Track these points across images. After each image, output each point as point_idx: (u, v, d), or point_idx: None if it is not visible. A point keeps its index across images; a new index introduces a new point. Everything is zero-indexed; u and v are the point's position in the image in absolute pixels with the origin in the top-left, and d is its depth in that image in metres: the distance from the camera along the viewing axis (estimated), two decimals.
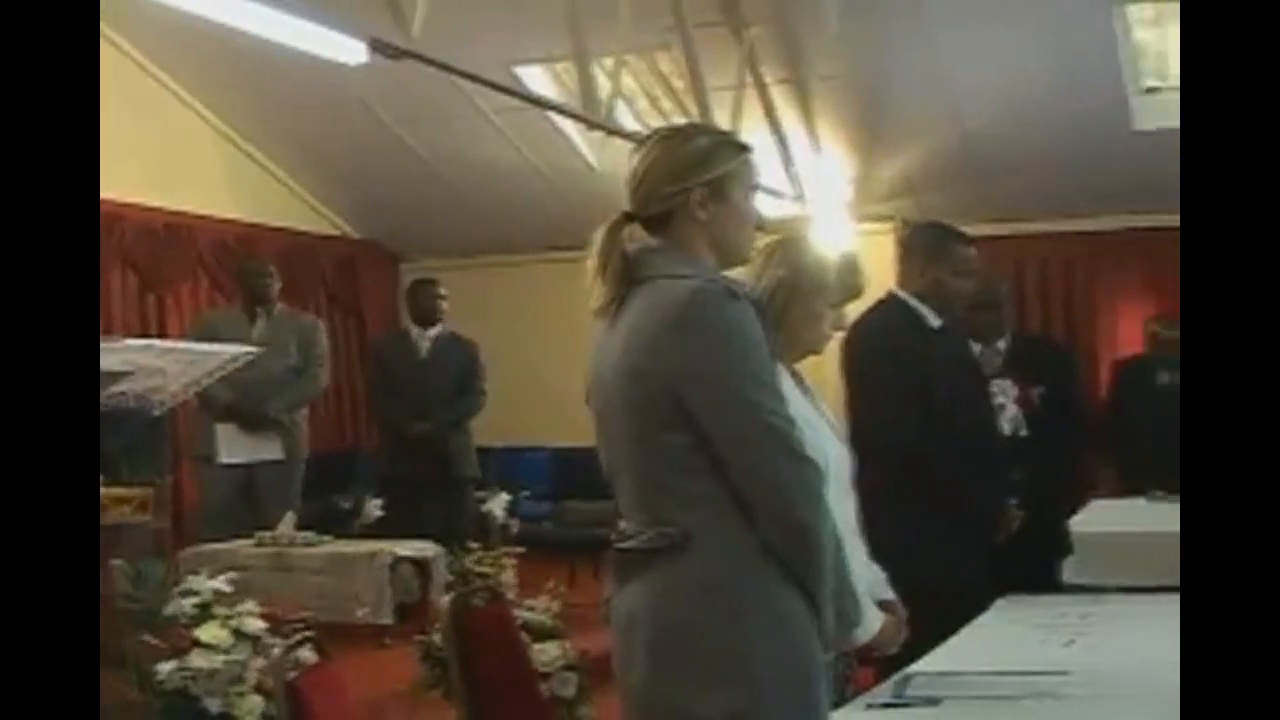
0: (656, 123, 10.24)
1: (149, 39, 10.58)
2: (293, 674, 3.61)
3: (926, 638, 4.26)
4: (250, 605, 5.38)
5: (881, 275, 5.36)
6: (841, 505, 3.76)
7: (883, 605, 4.02)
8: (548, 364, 10.69)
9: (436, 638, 5.61)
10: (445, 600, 5.53)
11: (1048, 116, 10.30)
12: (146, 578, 5.59)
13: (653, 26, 9.14)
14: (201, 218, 11.42)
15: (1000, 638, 4.58)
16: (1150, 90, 10.68)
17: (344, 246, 13.14)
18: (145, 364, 6.15)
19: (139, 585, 5.53)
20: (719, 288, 3.11)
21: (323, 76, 9.06)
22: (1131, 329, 11.32)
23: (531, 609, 6.13)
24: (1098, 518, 7.92)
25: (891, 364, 5.13)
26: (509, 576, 6.77)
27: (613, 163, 9.08)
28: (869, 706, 3.67)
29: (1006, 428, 6.20)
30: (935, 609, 4.33)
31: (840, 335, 4.39)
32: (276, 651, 4.47)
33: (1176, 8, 10.12)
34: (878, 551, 4.10)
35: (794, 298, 3.88)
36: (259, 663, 5.16)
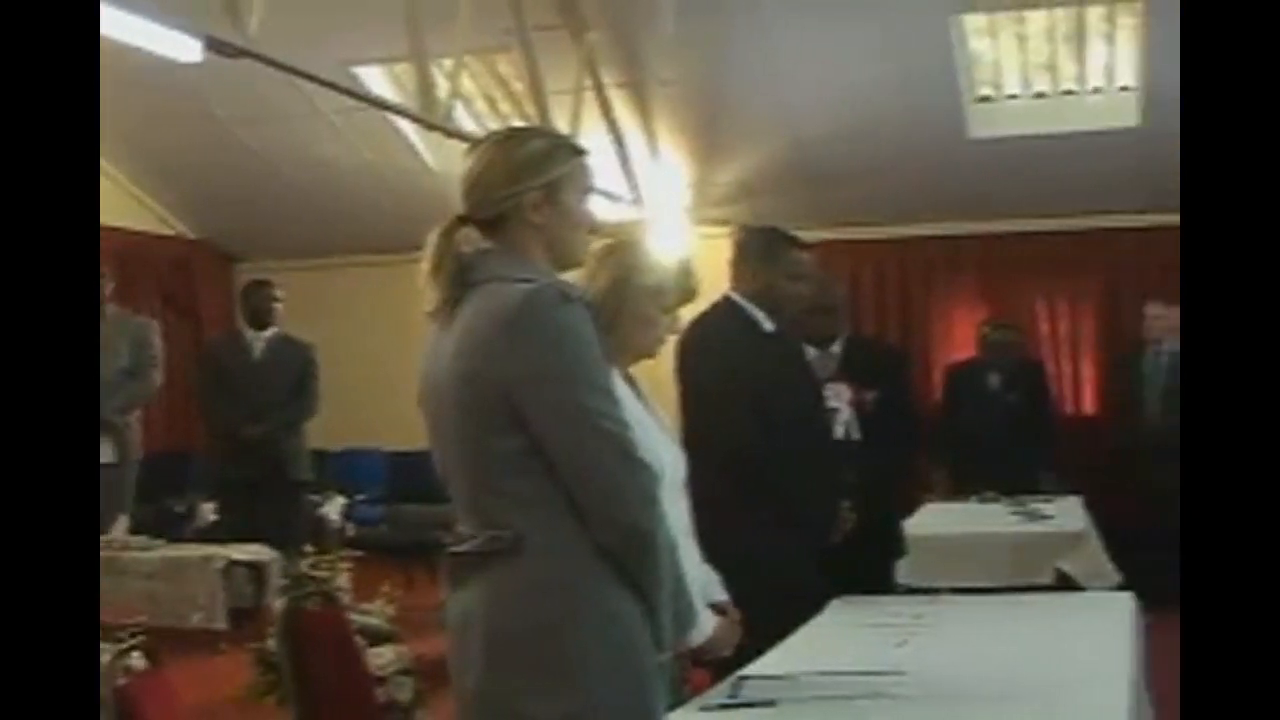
0: (495, 125, 10.24)
1: None
2: (122, 680, 3.57)
3: (761, 640, 4.28)
4: None
5: (719, 279, 5.36)
6: (675, 508, 3.77)
7: (716, 607, 4.04)
8: (385, 366, 10.57)
9: (271, 643, 5.55)
10: (279, 604, 5.48)
11: (884, 123, 10.43)
12: None
13: (492, 29, 9.12)
14: None
15: (835, 639, 4.61)
16: (984, 99, 10.86)
17: (180, 247, 12.99)
18: None
19: None
20: (553, 291, 3.10)
21: (159, 75, 8.94)
22: (965, 333, 11.53)
23: (367, 613, 6.09)
24: (931, 520, 8.07)
25: (724, 367, 5.14)
26: (344, 580, 6.71)
27: (451, 164, 8.97)
28: (704, 708, 3.67)
29: (840, 431, 6.25)
30: (769, 611, 4.36)
31: (675, 338, 4.41)
32: (106, 658, 4.40)
33: (1011, 19, 10.34)
34: (711, 554, 4.11)
35: (628, 301, 3.87)
36: None
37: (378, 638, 5.94)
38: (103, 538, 8.04)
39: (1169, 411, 10.01)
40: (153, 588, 7.82)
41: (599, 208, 3.61)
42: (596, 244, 3.68)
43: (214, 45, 6.53)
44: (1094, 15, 10.35)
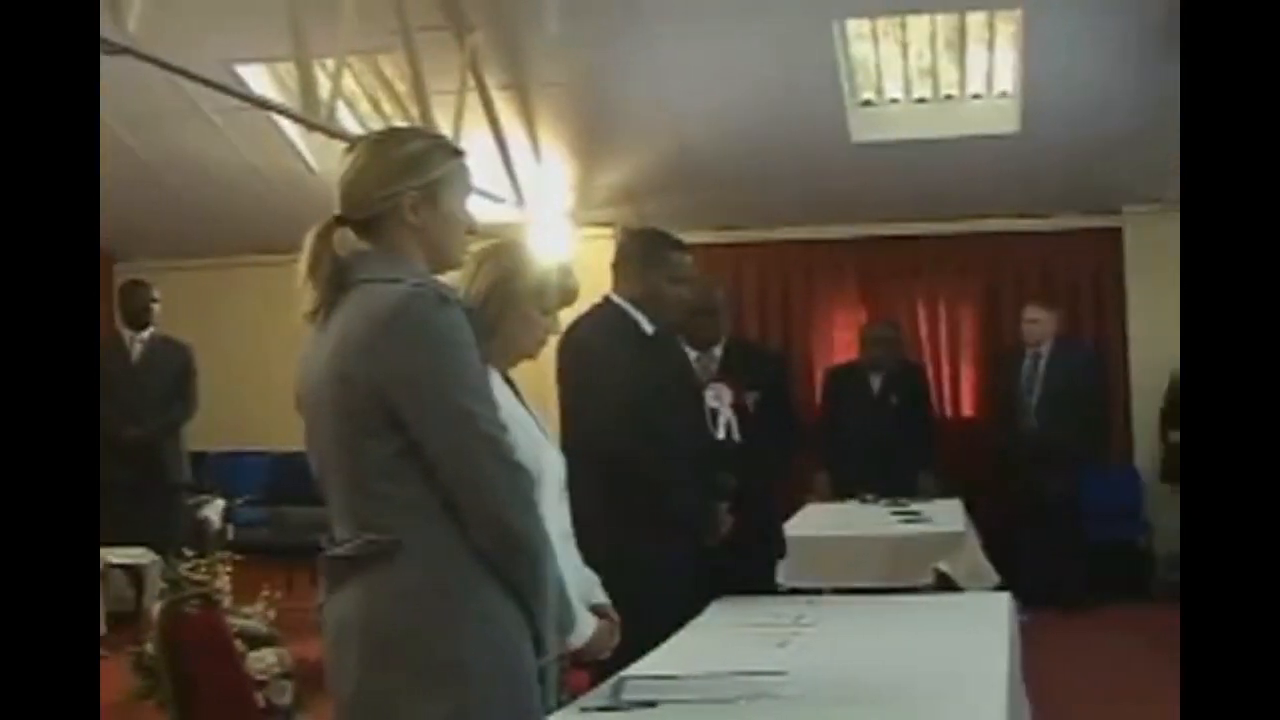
0: (378, 125, 10.18)
1: None
2: None
3: (640, 641, 4.30)
4: None
5: (602, 281, 5.37)
6: (555, 510, 3.78)
7: (595, 610, 4.05)
8: (267, 367, 10.46)
9: (150, 647, 5.50)
10: (158, 608, 5.43)
11: (767, 127, 10.48)
12: None
13: (376, 29, 9.07)
14: None
15: (716, 640, 4.64)
16: (866, 104, 10.94)
17: None
18: None
19: None
20: (429, 292, 3.09)
21: None
22: (846, 336, 11.62)
23: (247, 616, 6.05)
24: (811, 521, 8.13)
25: (604, 370, 5.14)
26: (224, 583, 6.66)
27: (333, 165, 8.97)
28: (584, 710, 3.67)
29: (721, 432, 6.26)
30: (648, 613, 4.37)
31: (555, 340, 4.41)
32: None
33: (893, 23, 10.42)
34: (590, 556, 4.12)
35: (508, 303, 3.87)
36: None
37: (257, 641, 5.90)
38: None
39: (1047, 414, 10.16)
40: None
41: (481, 209, 3.61)
42: (476, 246, 3.68)
43: None
44: (974, 22, 10.45)
